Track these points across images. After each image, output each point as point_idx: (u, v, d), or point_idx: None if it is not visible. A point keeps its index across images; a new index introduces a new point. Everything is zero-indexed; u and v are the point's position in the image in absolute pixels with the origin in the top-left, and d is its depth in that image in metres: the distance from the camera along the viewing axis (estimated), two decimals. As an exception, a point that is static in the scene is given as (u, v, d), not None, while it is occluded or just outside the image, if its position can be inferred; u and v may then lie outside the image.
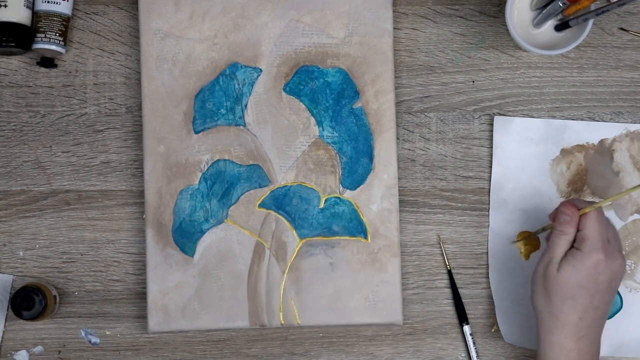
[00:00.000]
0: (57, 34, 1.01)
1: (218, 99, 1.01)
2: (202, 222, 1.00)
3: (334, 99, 1.01)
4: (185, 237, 1.00)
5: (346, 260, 1.00)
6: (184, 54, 1.01)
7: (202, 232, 1.00)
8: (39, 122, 1.03)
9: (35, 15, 1.02)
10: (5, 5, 1.00)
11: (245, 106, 1.01)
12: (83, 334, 1.02)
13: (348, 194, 1.01)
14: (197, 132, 1.01)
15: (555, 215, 0.91)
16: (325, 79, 1.01)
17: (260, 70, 1.01)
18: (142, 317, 1.02)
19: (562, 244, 0.90)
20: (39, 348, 1.02)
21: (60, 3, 1.01)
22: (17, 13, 1.00)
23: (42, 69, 1.03)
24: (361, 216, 1.01)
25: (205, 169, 1.01)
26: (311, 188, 1.01)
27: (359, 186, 1.01)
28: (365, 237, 1.01)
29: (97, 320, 1.02)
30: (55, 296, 1.00)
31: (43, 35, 1.01)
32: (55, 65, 1.03)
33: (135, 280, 1.02)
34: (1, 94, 1.03)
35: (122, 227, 1.03)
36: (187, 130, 1.01)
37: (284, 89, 1.01)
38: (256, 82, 1.01)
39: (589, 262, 0.88)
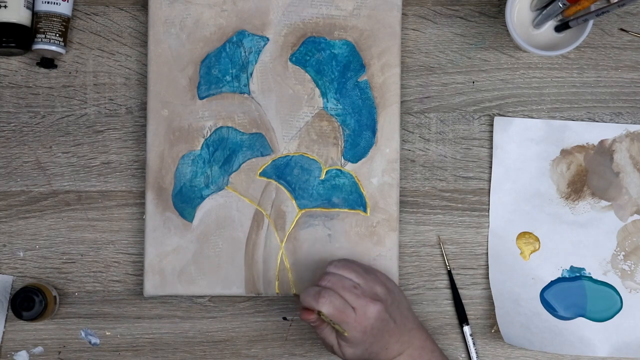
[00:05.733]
0: (57, 35, 1.01)
1: (224, 65, 1.01)
2: (203, 188, 1.01)
3: (339, 71, 1.02)
4: (185, 202, 1.00)
5: (344, 233, 1.01)
6: (192, 19, 1.01)
7: (202, 198, 1.01)
8: (39, 122, 1.03)
9: (35, 15, 1.02)
10: (5, 6, 1.00)
11: (251, 74, 1.01)
12: (83, 334, 1.02)
13: (349, 167, 1.01)
14: (201, 98, 1.01)
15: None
16: (332, 51, 1.02)
17: (267, 39, 1.02)
18: (142, 317, 1.02)
19: (326, 336, 0.93)
20: (39, 349, 1.02)
21: (60, 4, 1.01)
22: (17, 13, 1.00)
23: (42, 70, 1.03)
24: (361, 189, 1.01)
25: (208, 135, 1.01)
26: (313, 159, 1.01)
27: (360, 159, 1.01)
28: (365, 210, 1.01)
29: (97, 320, 1.02)
30: (55, 297, 1.00)
31: (43, 35, 1.01)
32: (55, 66, 1.03)
33: (135, 281, 1.02)
34: (1, 95, 1.03)
35: (122, 227, 1.03)
36: (191, 95, 1.01)
37: (290, 59, 1.02)
38: (263, 50, 1.02)
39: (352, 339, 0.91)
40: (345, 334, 0.90)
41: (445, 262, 1.03)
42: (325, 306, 0.89)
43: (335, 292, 0.90)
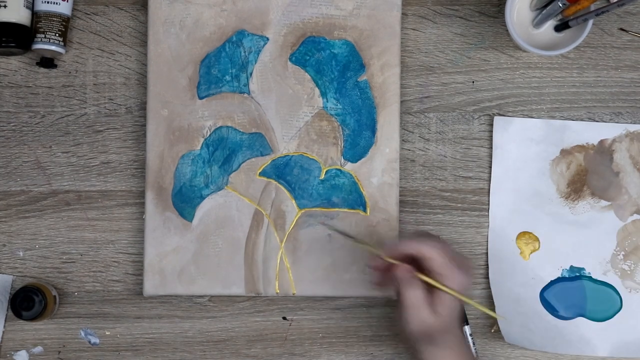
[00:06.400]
0: (57, 34, 1.01)
1: (224, 65, 1.01)
2: (202, 188, 1.01)
3: (339, 70, 1.02)
4: (185, 201, 1.01)
5: None
6: (192, 18, 1.02)
7: (202, 198, 1.01)
8: (39, 122, 1.03)
9: (35, 15, 1.02)
10: (5, 6, 1.00)
11: (251, 74, 1.01)
12: (83, 334, 1.02)
13: (349, 167, 1.01)
14: (201, 98, 1.01)
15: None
16: (332, 51, 1.02)
17: (267, 39, 1.02)
18: (142, 317, 1.02)
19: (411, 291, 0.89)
20: (39, 348, 1.02)
21: (59, 3, 1.01)
22: (16, 13, 1.00)
23: (42, 70, 1.03)
24: (361, 189, 1.01)
25: (208, 135, 1.01)
26: (312, 159, 1.01)
27: (360, 159, 1.01)
28: (365, 210, 1.01)
29: (97, 320, 1.02)
30: (55, 296, 1.00)
31: (43, 35, 1.01)
32: (55, 66, 1.03)
33: (135, 281, 1.02)
34: (1, 95, 1.03)
35: (122, 227, 1.03)
36: (191, 95, 1.01)
37: (290, 59, 1.02)
38: (262, 50, 1.02)
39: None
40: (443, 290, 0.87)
41: (445, 262, 1.03)
42: (437, 249, 0.88)
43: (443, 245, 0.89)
